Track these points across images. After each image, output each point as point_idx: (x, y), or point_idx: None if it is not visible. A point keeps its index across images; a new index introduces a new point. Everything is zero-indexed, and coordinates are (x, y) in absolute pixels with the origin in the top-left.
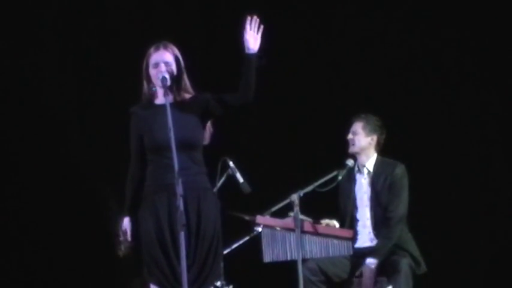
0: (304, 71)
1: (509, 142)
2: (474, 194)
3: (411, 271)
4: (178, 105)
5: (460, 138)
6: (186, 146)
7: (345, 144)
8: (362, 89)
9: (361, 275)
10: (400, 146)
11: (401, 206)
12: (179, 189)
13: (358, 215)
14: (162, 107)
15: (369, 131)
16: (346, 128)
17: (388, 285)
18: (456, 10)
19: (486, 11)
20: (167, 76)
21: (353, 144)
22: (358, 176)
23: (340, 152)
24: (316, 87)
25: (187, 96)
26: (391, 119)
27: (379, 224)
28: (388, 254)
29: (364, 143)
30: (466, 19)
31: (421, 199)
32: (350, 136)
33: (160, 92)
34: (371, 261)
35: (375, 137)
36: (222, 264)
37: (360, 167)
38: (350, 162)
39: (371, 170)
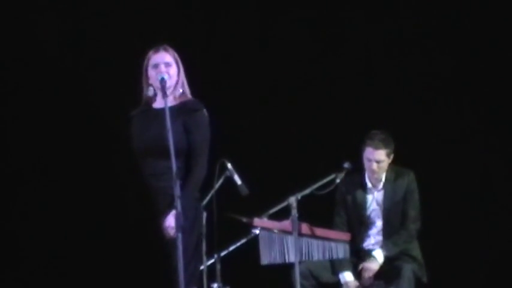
0: (303, 74)
1: None
2: (479, 201)
3: (415, 277)
4: (173, 110)
5: (464, 147)
6: (167, 152)
7: (355, 161)
8: (360, 92)
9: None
10: (405, 154)
11: (418, 215)
12: (177, 191)
13: (370, 226)
14: (160, 111)
15: (390, 154)
16: (357, 147)
17: None
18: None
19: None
20: (166, 77)
21: (378, 172)
22: (372, 189)
23: (338, 155)
24: (315, 89)
25: (184, 100)
26: (392, 126)
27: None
28: (392, 259)
29: (387, 166)
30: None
31: (426, 207)
32: (375, 166)
33: (159, 95)
34: (373, 260)
35: (392, 156)
36: (199, 271)
37: (374, 182)
38: (348, 165)
39: (383, 180)
